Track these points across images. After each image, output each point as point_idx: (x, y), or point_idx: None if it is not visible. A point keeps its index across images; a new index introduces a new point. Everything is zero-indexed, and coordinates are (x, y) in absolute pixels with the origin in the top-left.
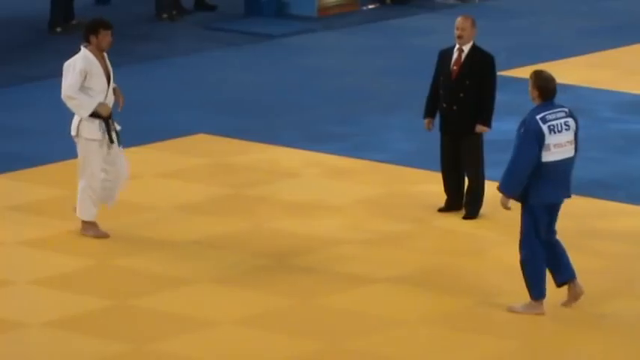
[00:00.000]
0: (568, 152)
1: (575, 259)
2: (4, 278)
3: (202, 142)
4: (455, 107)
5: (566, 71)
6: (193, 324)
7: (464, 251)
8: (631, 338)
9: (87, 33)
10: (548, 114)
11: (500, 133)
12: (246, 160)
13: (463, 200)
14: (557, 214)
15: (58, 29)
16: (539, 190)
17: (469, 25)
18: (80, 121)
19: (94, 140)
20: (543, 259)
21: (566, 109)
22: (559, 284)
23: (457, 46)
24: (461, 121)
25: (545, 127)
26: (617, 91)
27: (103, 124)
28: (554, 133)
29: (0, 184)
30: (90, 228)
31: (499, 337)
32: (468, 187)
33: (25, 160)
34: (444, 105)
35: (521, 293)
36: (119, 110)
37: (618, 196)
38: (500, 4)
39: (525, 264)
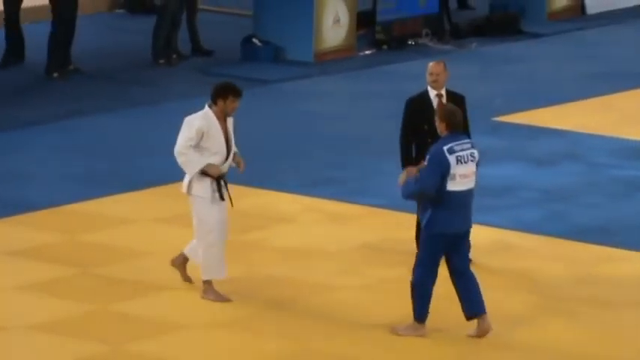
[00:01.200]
0: (471, 183)
1: (572, 306)
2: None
3: None
4: None
5: (562, 117)
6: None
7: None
8: None
9: (216, 95)
10: (455, 145)
11: (495, 178)
12: (242, 205)
13: None
14: (463, 244)
15: (55, 74)
16: (437, 219)
17: (442, 69)
18: (191, 179)
19: (204, 197)
20: (432, 284)
21: (471, 141)
22: (468, 317)
23: (434, 92)
24: None
25: (452, 158)
26: (615, 137)
27: (214, 183)
28: (461, 163)
29: None
30: (210, 291)
31: None
32: None
33: (21, 204)
34: None
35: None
36: (240, 173)
37: (615, 242)
38: (496, 50)
39: (415, 287)
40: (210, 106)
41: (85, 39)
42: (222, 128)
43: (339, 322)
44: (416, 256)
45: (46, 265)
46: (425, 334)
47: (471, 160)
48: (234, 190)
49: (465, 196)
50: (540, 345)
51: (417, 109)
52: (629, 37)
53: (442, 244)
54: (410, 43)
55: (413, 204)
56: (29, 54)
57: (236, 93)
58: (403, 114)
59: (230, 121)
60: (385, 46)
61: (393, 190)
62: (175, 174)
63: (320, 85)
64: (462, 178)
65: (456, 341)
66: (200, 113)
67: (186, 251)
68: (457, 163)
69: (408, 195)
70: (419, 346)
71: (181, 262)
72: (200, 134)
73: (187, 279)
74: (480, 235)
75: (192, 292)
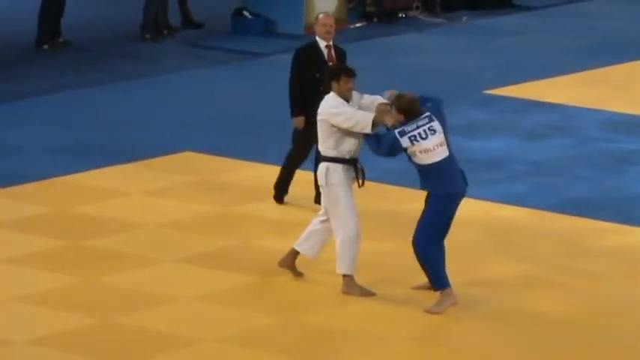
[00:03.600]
0: (441, 154)
1: (561, 278)
2: None
3: (188, 159)
4: None
5: (553, 90)
6: (176, 341)
7: (457, 269)
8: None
9: (329, 79)
10: (407, 126)
11: (485, 151)
12: (233, 177)
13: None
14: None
15: (45, 46)
16: (435, 181)
17: (334, 21)
18: (327, 168)
19: (341, 185)
20: (442, 251)
21: (428, 114)
22: (436, 288)
23: (324, 43)
24: None
25: (404, 140)
26: (605, 110)
27: (351, 168)
28: (417, 141)
29: None
30: (353, 285)
31: None
32: None
33: (11, 176)
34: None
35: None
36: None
37: (605, 215)
38: (487, 23)
39: (425, 258)
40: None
41: (75, 11)
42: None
43: (330, 295)
44: (417, 226)
45: (35, 237)
46: (456, 301)
47: (431, 134)
48: (228, 163)
49: (440, 165)
50: (530, 315)
51: (308, 59)
52: (620, 9)
53: (448, 205)
54: (401, 16)
55: (403, 178)
56: (19, 26)
57: (348, 73)
58: (292, 64)
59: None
60: (376, 19)
61: (382, 164)
62: (164, 147)
63: None
64: (424, 153)
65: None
66: (328, 97)
67: (297, 246)
68: (412, 144)
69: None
70: (405, 315)
71: (291, 261)
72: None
73: (299, 274)
74: (470, 208)
75: (182, 264)
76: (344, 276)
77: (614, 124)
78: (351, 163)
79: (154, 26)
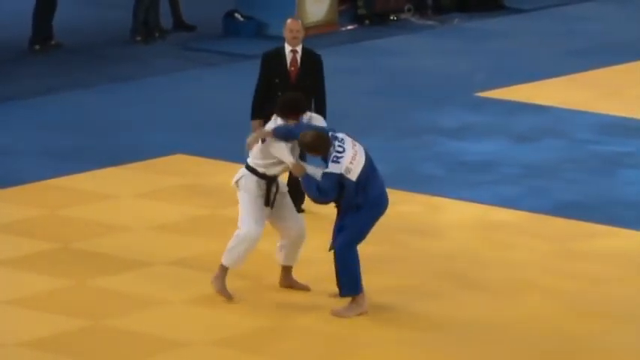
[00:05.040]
0: (361, 157)
1: (552, 281)
2: None
3: (178, 162)
4: None
5: (544, 92)
6: (166, 344)
7: (447, 273)
8: None
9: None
10: (336, 151)
11: (476, 154)
12: (222, 180)
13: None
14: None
15: (37, 46)
16: (373, 197)
17: (301, 27)
18: (243, 175)
19: (248, 193)
20: (357, 256)
21: (329, 129)
22: (343, 295)
23: (290, 47)
24: None
25: (333, 167)
26: (595, 113)
27: (264, 186)
28: (341, 157)
29: None
30: (218, 279)
31: None
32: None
33: (0, 179)
34: None
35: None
36: None
37: (595, 218)
38: (478, 25)
39: (346, 262)
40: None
41: (65, 14)
42: None
43: (320, 296)
44: (342, 234)
45: (25, 240)
46: (366, 309)
47: (344, 144)
48: (218, 165)
49: (367, 169)
50: (519, 320)
51: (272, 63)
52: (610, 12)
53: (374, 213)
54: (392, 18)
55: (393, 180)
56: (10, 28)
57: (287, 110)
58: (259, 68)
59: None
60: (367, 22)
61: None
62: (154, 150)
63: None
64: (353, 161)
65: (430, 315)
66: None
67: (282, 261)
68: (339, 163)
69: (309, 195)
70: (394, 317)
71: (288, 278)
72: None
73: (305, 287)
74: (461, 211)
75: (172, 267)
76: (221, 265)
77: (605, 127)
78: (268, 180)
79: (145, 29)
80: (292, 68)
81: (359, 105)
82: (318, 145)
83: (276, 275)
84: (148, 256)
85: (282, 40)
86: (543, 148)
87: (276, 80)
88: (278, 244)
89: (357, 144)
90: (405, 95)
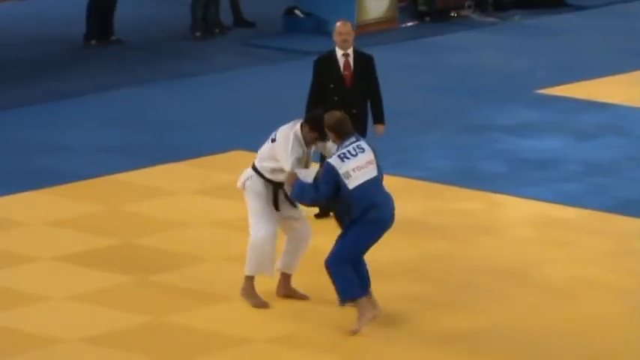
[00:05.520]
0: (371, 173)
1: (613, 279)
2: (41, 294)
3: (236, 159)
4: (354, 111)
5: (605, 90)
6: (225, 341)
7: (508, 270)
8: None
9: (305, 120)
10: (339, 149)
11: (537, 152)
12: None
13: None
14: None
15: (93, 42)
16: (362, 215)
17: (351, 30)
18: (251, 176)
19: (254, 194)
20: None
21: (355, 135)
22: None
23: (341, 51)
24: (359, 124)
25: (335, 160)
26: None
27: (270, 189)
28: (348, 158)
29: (38, 200)
30: (249, 289)
31: None
32: None
33: (62, 175)
34: (342, 111)
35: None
36: None
37: None
38: (539, 22)
39: (338, 270)
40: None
41: (125, 10)
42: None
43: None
44: (335, 249)
45: (85, 236)
46: (377, 312)
47: (360, 152)
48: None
49: (370, 185)
50: (580, 318)
51: (325, 68)
52: None
53: (373, 233)
54: (453, 15)
55: (454, 177)
56: (69, 25)
57: (315, 125)
58: (312, 73)
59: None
60: (427, 18)
61: (433, 163)
62: (213, 146)
63: None
64: (357, 170)
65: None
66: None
67: (282, 268)
68: (342, 161)
69: (301, 200)
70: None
71: (288, 287)
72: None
73: (304, 297)
74: (521, 208)
75: (231, 263)
76: (245, 277)
77: None
78: (274, 185)
79: (205, 25)
80: (346, 72)
81: (419, 102)
82: (334, 127)
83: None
84: (206, 252)
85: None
86: (605, 146)
87: (331, 85)
88: (282, 250)
89: (374, 165)
90: (465, 92)
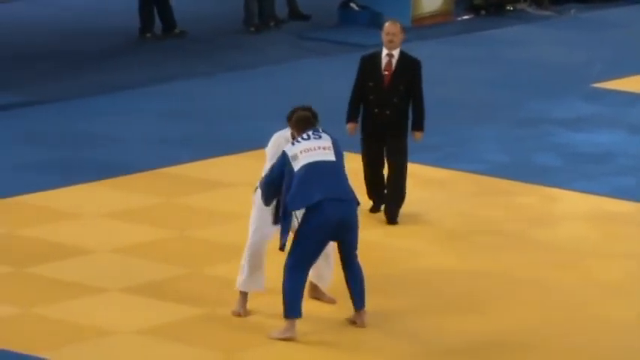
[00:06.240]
0: (321, 156)
1: None
2: (98, 286)
3: None
4: (388, 112)
5: None
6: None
7: (562, 264)
8: None
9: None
10: (301, 137)
11: (593, 145)
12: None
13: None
14: (344, 230)
15: (148, 34)
16: (297, 196)
17: (398, 30)
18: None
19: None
20: (301, 279)
21: (318, 128)
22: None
23: (386, 51)
24: (392, 126)
25: (287, 145)
26: None
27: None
28: (299, 142)
29: (94, 192)
30: (240, 304)
31: None
32: (394, 191)
33: (117, 167)
34: (376, 110)
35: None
36: None
37: None
38: (595, 16)
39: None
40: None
41: (183, 3)
42: None
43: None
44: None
45: (141, 227)
46: (296, 336)
47: (315, 138)
48: None
49: (317, 167)
50: (636, 315)
51: (368, 66)
52: None
53: (310, 222)
54: (508, 8)
55: (509, 170)
56: (128, 18)
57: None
58: (357, 71)
59: None
60: (483, 12)
61: (488, 156)
62: (268, 138)
63: (417, 51)
64: (304, 152)
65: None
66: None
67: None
68: (293, 145)
69: (262, 190)
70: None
71: (316, 290)
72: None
73: (331, 300)
74: (576, 202)
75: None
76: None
77: None
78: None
79: (260, 18)
80: (386, 72)
81: (474, 95)
82: (294, 124)
83: (387, 264)
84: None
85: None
86: None
87: (370, 83)
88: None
89: (330, 150)
90: (520, 86)
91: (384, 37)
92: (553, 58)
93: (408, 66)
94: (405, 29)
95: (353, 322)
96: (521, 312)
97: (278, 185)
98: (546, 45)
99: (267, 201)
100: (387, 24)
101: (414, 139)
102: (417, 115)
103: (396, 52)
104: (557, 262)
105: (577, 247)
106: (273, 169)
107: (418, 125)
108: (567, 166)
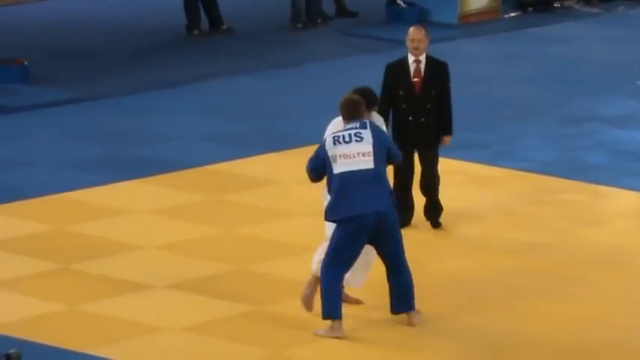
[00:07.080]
0: (359, 164)
1: None
2: (144, 283)
3: None
4: (423, 119)
5: None
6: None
7: (610, 262)
8: None
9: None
10: (340, 130)
11: (639, 143)
12: None
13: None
14: (385, 232)
15: (196, 31)
16: (334, 206)
17: (424, 36)
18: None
19: None
20: (337, 278)
21: (358, 123)
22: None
23: (413, 57)
24: (428, 133)
25: (329, 140)
26: None
27: None
28: (339, 143)
29: (141, 189)
30: (307, 295)
31: None
32: (432, 197)
33: (162, 165)
34: (410, 118)
35: None
36: None
37: None
38: None
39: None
40: None
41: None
42: None
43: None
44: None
45: (189, 225)
46: (344, 334)
47: (356, 140)
48: None
49: (352, 176)
50: None
51: (395, 74)
52: None
53: (344, 231)
54: (556, 5)
55: (556, 168)
56: (175, 15)
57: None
58: (383, 79)
59: None
60: (531, 9)
61: (534, 154)
62: (315, 136)
63: (464, 48)
64: (343, 158)
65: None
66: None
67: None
68: (334, 144)
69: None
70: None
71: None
72: None
73: (357, 301)
74: (624, 200)
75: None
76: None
77: None
78: None
79: (307, 15)
80: (416, 79)
81: (522, 92)
82: (341, 107)
83: (438, 260)
84: (311, 241)
85: (445, 26)
86: None
87: (400, 92)
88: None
89: (369, 157)
90: (568, 83)
91: (409, 44)
92: (600, 55)
93: (437, 70)
94: (429, 35)
95: (409, 323)
96: (564, 307)
97: (322, 172)
98: (593, 42)
99: (314, 181)
100: (411, 30)
101: (443, 143)
102: (445, 118)
103: (422, 58)
104: (606, 260)
105: (625, 245)
106: (318, 155)
107: (447, 129)
108: (614, 163)
